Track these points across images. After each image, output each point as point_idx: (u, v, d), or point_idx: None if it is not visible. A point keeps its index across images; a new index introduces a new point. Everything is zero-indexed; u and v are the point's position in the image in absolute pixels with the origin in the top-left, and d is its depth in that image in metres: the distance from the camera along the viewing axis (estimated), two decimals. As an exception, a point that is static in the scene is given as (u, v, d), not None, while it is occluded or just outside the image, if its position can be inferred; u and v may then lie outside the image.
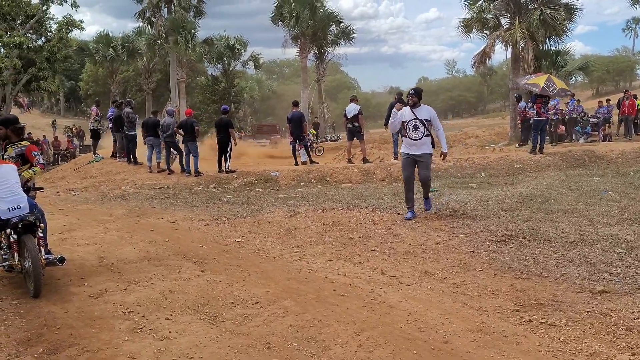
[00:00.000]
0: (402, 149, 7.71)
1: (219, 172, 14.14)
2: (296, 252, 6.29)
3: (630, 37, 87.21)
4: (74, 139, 33.60)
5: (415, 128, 7.39)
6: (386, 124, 14.77)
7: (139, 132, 15.12)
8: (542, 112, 13.86)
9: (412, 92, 7.59)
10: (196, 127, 13.64)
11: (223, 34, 39.81)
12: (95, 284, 5.31)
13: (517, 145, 18.61)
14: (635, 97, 20.87)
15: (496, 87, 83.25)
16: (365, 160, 14.79)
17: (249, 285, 5.06)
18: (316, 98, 40.22)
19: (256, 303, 4.52)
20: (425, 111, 7.46)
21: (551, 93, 13.94)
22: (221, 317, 4.27)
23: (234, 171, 14.09)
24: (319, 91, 39.49)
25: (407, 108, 7.53)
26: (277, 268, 5.65)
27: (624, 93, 20.51)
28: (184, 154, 14.12)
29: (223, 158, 14.15)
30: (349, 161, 14.98)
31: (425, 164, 7.50)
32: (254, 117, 59.61)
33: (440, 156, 7.89)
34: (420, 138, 7.37)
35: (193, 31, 32.79)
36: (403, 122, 7.50)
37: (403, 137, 7.67)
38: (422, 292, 4.59)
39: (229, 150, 13.98)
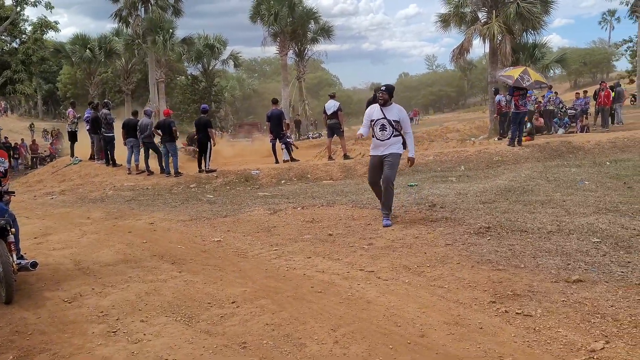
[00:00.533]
0: (370, 150, 7.20)
1: (199, 172, 14.04)
2: (275, 250, 6.25)
3: (606, 29, 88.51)
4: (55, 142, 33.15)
5: (383, 128, 6.90)
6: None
7: (117, 133, 14.96)
8: (520, 105, 13.95)
9: (383, 88, 7.03)
10: (174, 128, 13.52)
11: (202, 33, 39.60)
12: (70, 288, 5.22)
13: (496, 138, 18.74)
14: (611, 88, 21.15)
15: (476, 81, 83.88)
16: (345, 157, 14.78)
17: (226, 284, 5.01)
18: (297, 96, 40.11)
19: (233, 302, 4.47)
20: (396, 111, 6.96)
21: (525, 85, 14.02)
22: (197, 317, 4.21)
23: (214, 170, 14.00)
24: (300, 89, 39.37)
25: (376, 106, 7.02)
26: (255, 267, 5.60)
27: (600, 84, 20.77)
28: (163, 155, 14.00)
29: (203, 158, 14.06)
30: (330, 158, 14.95)
31: (390, 163, 6.90)
32: (236, 116, 59.38)
33: (407, 162, 7.32)
34: (388, 138, 6.88)
35: (171, 30, 32.52)
36: (371, 121, 7.01)
37: (372, 137, 7.14)
38: (400, 286, 4.58)
39: (208, 149, 13.88)
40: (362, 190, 10.22)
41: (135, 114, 14.64)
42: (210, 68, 42.05)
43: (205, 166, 14.02)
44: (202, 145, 13.92)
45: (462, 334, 3.57)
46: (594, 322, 3.57)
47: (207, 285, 5.02)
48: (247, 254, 6.19)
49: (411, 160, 7.23)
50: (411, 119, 61.32)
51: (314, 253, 5.91)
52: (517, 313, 3.81)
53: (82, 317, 4.41)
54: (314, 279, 4.95)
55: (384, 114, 6.90)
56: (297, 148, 18.35)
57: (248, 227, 7.65)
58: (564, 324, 3.59)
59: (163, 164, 14.04)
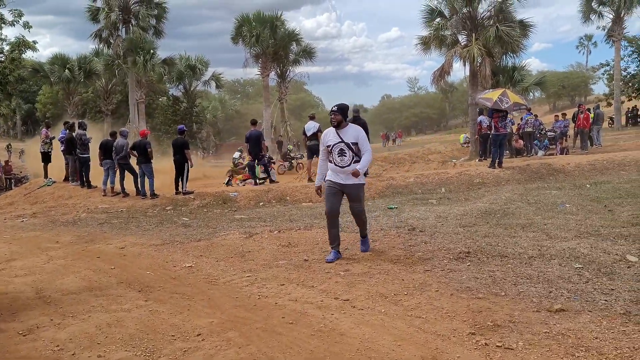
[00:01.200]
0: (328, 176, 6.39)
1: (176, 193, 13.75)
2: (248, 276, 5.99)
3: (584, 53, 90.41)
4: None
5: (342, 153, 6.13)
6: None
7: (93, 154, 14.64)
8: (499, 127, 13.95)
9: (334, 108, 6.22)
10: (149, 149, 13.25)
11: (184, 53, 39.54)
12: (28, 318, 4.90)
13: (477, 160, 18.74)
14: (589, 110, 21.35)
15: (457, 104, 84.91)
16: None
17: (193, 315, 4.74)
18: (279, 117, 40.04)
19: (198, 335, 4.20)
20: (352, 132, 6.19)
21: (503, 107, 14.06)
22: (159, 352, 3.94)
23: (192, 192, 13.73)
24: (282, 110, 39.35)
25: (332, 130, 6.27)
26: (225, 295, 5.34)
27: (578, 107, 20.97)
28: (139, 176, 13.69)
29: (180, 179, 13.79)
30: (310, 179, 14.76)
31: (356, 196, 6.32)
32: (217, 137, 59.10)
33: (352, 172, 6.33)
34: (348, 165, 6.13)
35: (152, 51, 32.35)
36: (327, 147, 6.26)
37: (329, 163, 6.36)
38: (375, 316, 4.35)
39: (185, 171, 13.62)
40: (341, 213, 10.00)
41: (113, 134, 14.34)
42: (191, 89, 41.94)
43: (182, 188, 13.73)
44: (179, 166, 13.65)
45: (439, 370, 3.35)
46: (577, 356, 3.37)
47: (173, 316, 4.74)
48: (218, 281, 5.92)
49: (355, 173, 6.17)
50: (394, 140, 61.52)
51: (288, 280, 5.66)
52: (497, 346, 3.60)
53: (35, 352, 4.10)
54: (285, 308, 4.70)
55: (341, 137, 6.16)
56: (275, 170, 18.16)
57: (222, 252, 7.39)
58: (547, 358, 3.39)
59: (139, 186, 13.73)
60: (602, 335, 3.63)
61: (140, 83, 33.63)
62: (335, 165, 6.22)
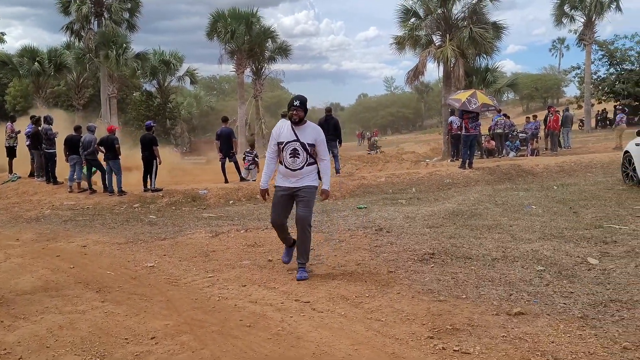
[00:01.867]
0: (277, 180, 5.68)
1: (144, 191, 13.51)
2: (210, 277, 5.88)
3: (556, 56, 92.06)
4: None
5: (295, 154, 5.40)
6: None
7: (59, 149, 14.29)
8: (470, 128, 14.03)
9: (297, 103, 5.38)
10: (117, 145, 12.99)
11: (158, 48, 38.97)
12: (-24, 321, 4.71)
13: (449, 160, 18.85)
14: (558, 112, 21.67)
15: (432, 104, 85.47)
16: (297, 177, 14.50)
17: (149, 317, 4.61)
18: (254, 114, 39.77)
19: (152, 338, 4.08)
20: (311, 132, 5.45)
21: (471, 108, 14.19)
22: (110, 356, 3.81)
23: (160, 190, 13.51)
24: (257, 107, 39.07)
25: (287, 125, 5.50)
26: (185, 296, 5.21)
27: (548, 109, 21.26)
28: (106, 173, 13.42)
29: (148, 176, 13.55)
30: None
31: (305, 200, 5.45)
32: (192, 133, 58.46)
33: (321, 195, 5.69)
34: (301, 167, 5.42)
35: (125, 45, 31.76)
36: (279, 144, 5.48)
37: (280, 165, 5.63)
38: (335, 319, 4.28)
39: (154, 168, 13.40)
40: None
41: (77, 129, 14.02)
42: (165, 84, 41.38)
43: (151, 185, 13.50)
44: (147, 163, 13.42)
45: (394, 375, 3.30)
46: (533, 361, 3.35)
47: (129, 318, 4.60)
48: (179, 282, 5.79)
49: (325, 193, 5.61)
50: (369, 139, 61.71)
51: (250, 281, 5.57)
52: (454, 350, 3.56)
53: (-20, 356, 3.93)
54: (244, 310, 4.61)
55: (297, 136, 5.40)
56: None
57: (186, 251, 7.26)
58: (503, 362, 3.36)
59: (106, 182, 13.46)
60: (559, 340, 3.62)
61: (112, 78, 32.97)
62: (286, 167, 5.47)
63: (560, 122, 20.72)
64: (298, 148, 5.41)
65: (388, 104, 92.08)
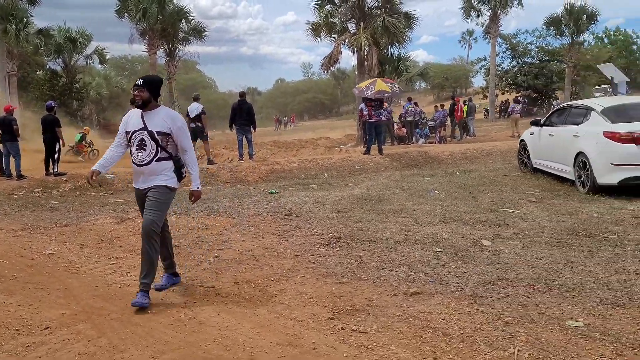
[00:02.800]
0: (133, 180, 4.71)
1: (46, 175, 12.82)
2: (112, 264, 5.71)
3: (466, 47, 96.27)
4: None
5: (142, 145, 4.39)
6: (231, 125, 14.43)
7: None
8: (373, 115, 14.35)
9: (139, 82, 4.45)
10: (15, 126, 12.22)
11: (63, 25, 36.79)
12: None
13: (362, 146, 19.26)
14: (465, 102, 22.71)
15: (349, 90, 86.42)
16: (209, 162, 14.31)
17: (44, 306, 4.42)
18: (168, 97, 38.61)
19: (46, 328, 3.92)
20: (162, 118, 4.42)
21: (367, 94, 14.75)
22: (-2, 348, 3.62)
23: (64, 174, 12.86)
24: (170, 89, 37.94)
25: (136, 111, 4.52)
26: (84, 284, 5.04)
27: (452, 99, 22.28)
28: (4, 156, 12.59)
29: (50, 160, 12.86)
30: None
31: (153, 202, 4.40)
32: (101, 115, 55.86)
33: (190, 197, 4.70)
34: (148, 163, 4.40)
35: (25, 20, 29.73)
36: (126, 134, 4.51)
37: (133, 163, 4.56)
38: (239, 303, 4.30)
39: (56, 151, 12.72)
40: (221, 197, 9.87)
41: (-30, 109, 13.03)
42: (72, 63, 39.22)
43: (54, 169, 12.83)
44: (49, 146, 12.71)
45: (293, 356, 3.37)
46: (425, 338, 3.53)
47: (22, 308, 4.38)
48: (79, 269, 5.58)
49: (195, 195, 4.65)
50: (285, 124, 61.59)
51: (155, 267, 5.45)
52: (353, 330, 3.70)
53: None
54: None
55: (145, 123, 4.42)
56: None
57: (89, 238, 6.99)
58: (397, 340, 3.52)
59: (4, 166, 12.64)
60: (449, 317, 3.84)
61: (12, 54, 30.80)
62: (133, 162, 4.49)
63: (465, 111, 21.75)
64: (145, 138, 4.38)
65: (305, 89, 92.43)
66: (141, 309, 4.20)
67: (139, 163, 4.43)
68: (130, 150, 4.51)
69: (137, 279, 5.02)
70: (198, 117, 13.65)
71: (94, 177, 4.56)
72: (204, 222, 7.57)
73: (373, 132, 14.68)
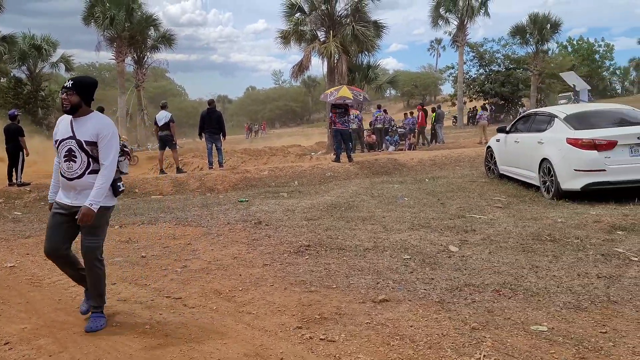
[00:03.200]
0: (58, 194, 4.13)
1: (9, 185, 12.50)
2: (77, 276, 5.57)
3: (434, 55, 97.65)
4: None
5: (71, 156, 3.92)
6: (200, 134, 14.32)
7: None
8: (337, 123, 14.42)
9: (68, 84, 3.93)
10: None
11: (28, 32, 36.13)
12: None
13: (333, 154, 19.31)
14: (433, 110, 23.02)
15: (320, 98, 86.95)
16: (178, 170, 14.16)
17: (4, 321, 4.29)
18: (137, 105, 38.16)
19: (6, 344, 3.80)
20: (93, 126, 3.92)
21: (328, 100, 15.13)
22: (-47, 366, 3.50)
23: (28, 184, 12.56)
24: (139, 97, 37.52)
25: (66, 118, 4.02)
26: (47, 297, 4.91)
27: (418, 108, 22.59)
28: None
29: (14, 170, 12.55)
30: (161, 171, 14.21)
31: (90, 228, 3.93)
32: (68, 123, 54.77)
33: (78, 216, 3.82)
34: (79, 176, 3.92)
35: (-12, 26, 29.10)
36: (55, 142, 4.04)
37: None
38: (206, 314, 4.25)
39: (19, 161, 12.43)
40: (190, 206, 9.77)
41: None
42: (37, 71, 38.49)
43: (17, 179, 12.52)
44: (12, 156, 12.41)
45: (261, 367, 3.34)
46: (392, 345, 3.54)
47: (-20, 324, 4.25)
48: (42, 282, 5.44)
49: (84, 213, 3.79)
50: (256, 132, 61.34)
51: (121, 278, 5.35)
52: (321, 339, 3.68)
53: None
54: (112, 309, 4.41)
55: (73, 131, 3.95)
56: (131, 161, 17.41)
57: (52, 250, 6.80)
58: (365, 348, 3.52)
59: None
60: (417, 324, 3.86)
61: (-27, 61, 30.13)
62: (62, 175, 4.01)
63: (427, 119, 22.08)
64: (74, 148, 3.91)
65: (276, 97, 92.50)
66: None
67: (69, 177, 3.93)
68: (59, 161, 4.02)
69: (102, 291, 4.94)
70: (166, 126, 13.51)
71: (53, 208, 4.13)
72: (172, 231, 7.48)
73: (340, 139, 14.73)
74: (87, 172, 3.92)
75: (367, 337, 3.68)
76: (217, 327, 3.96)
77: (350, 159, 14.75)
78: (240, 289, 4.84)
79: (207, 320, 4.11)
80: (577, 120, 8.82)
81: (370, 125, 22.21)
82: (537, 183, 9.17)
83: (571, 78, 23.95)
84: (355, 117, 20.37)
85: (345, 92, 15.10)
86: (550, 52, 47.31)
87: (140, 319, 4.20)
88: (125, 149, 15.65)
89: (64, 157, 3.93)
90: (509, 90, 43.79)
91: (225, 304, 4.48)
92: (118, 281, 5.28)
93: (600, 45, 65.43)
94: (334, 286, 4.77)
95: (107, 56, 39.97)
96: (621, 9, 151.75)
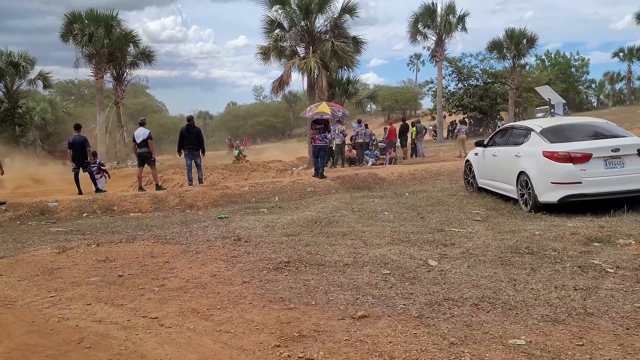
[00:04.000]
0: None
1: (-16, 204, 12.26)
2: (52, 296, 5.47)
3: (414, 70, 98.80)
4: None
5: None
6: (179, 150, 14.24)
7: None
8: (316, 139, 14.50)
9: None
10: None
11: (5, 49, 35.84)
12: None
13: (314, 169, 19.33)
14: (413, 124, 23.21)
15: (300, 114, 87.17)
16: (157, 187, 14.04)
17: (-26, 345, 4.17)
18: (116, 121, 37.86)
19: (-25, 369, 3.70)
20: None
21: (307, 115, 15.31)
22: None
23: (4, 203, 12.35)
24: (118, 114, 37.24)
25: None
26: (20, 319, 4.79)
27: (402, 121, 22.80)
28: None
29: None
30: (140, 188, 14.07)
31: None
32: (46, 141, 54.21)
33: None
34: None
35: (-36, 43, 28.74)
36: None
37: None
38: (183, 334, 4.18)
39: (-6, 179, 12.22)
40: (169, 224, 9.68)
41: None
42: (14, 88, 38.12)
43: (-8, 198, 12.30)
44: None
45: (238, 387, 3.29)
46: (371, 362, 3.52)
47: (-50, 348, 4.13)
48: (15, 303, 5.32)
49: None
50: (237, 148, 61.43)
51: (96, 298, 5.26)
52: (299, 357, 3.64)
53: None
54: (86, 330, 4.34)
55: None
56: (109, 178, 17.25)
57: (27, 270, 6.68)
58: (343, 365, 3.50)
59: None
60: (396, 340, 3.84)
61: (-51, 78, 29.73)
62: None
63: (397, 133, 22.37)
64: None
65: (257, 112, 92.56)
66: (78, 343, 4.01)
67: None
68: None
69: (77, 312, 4.86)
70: (145, 142, 13.42)
71: None
72: (150, 249, 7.38)
73: (316, 155, 14.79)
74: None
75: (345, 355, 3.65)
76: (195, 347, 3.90)
77: (320, 175, 14.61)
78: (219, 307, 4.78)
79: (184, 340, 4.05)
80: (553, 134, 8.95)
81: (351, 139, 22.30)
82: (515, 196, 9.26)
83: (546, 92, 24.36)
84: (340, 132, 20.42)
85: (324, 107, 15.17)
86: (527, 67, 48.15)
87: (115, 340, 4.12)
88: (102, 167, 15.61)
89: None
90: (488, 104, 44.35)
91: (203, 323, 4.42)
92: (93, 301, 5.18)
93: (576, 60, 66.88)
94: (313, 303, 4.74)
95: (86, 73, 39.98)
96: (595, 24, 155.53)
